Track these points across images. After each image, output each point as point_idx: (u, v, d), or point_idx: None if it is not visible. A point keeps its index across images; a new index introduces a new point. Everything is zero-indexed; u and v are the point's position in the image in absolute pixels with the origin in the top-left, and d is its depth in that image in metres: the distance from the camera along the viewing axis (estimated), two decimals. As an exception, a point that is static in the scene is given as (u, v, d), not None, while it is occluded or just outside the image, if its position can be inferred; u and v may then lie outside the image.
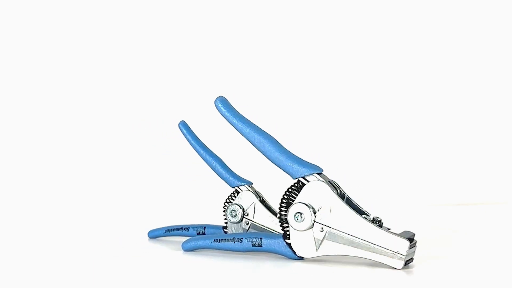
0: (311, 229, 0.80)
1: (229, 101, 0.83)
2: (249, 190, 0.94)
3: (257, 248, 0.85)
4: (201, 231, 0.99)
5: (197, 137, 0.97)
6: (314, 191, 0.80)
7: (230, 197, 0.95)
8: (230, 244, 0.86)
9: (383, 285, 0.73)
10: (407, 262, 0.78)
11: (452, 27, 1.53)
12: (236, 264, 0.83)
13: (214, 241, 0.88)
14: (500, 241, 1.01)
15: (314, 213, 0.80)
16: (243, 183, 0.94)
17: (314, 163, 0.81)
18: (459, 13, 1.53)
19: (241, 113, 0.83)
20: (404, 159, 1.50)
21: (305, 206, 0.80)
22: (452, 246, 0.97)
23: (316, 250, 0.81)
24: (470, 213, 1.32)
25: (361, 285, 0.73)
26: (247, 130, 0.82)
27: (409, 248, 0.77)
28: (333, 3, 1.52)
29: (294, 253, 0.82)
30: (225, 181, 0.95)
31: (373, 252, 0.78)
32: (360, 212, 0.80)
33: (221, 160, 0.96)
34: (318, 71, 1.52)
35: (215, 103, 0.83)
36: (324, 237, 0.80)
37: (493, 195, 1.48)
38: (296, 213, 0.80)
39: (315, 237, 0.81)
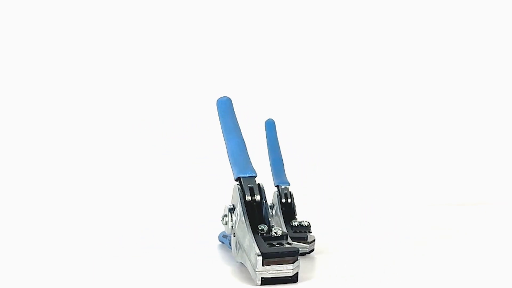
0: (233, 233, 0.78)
1: (231, 102, 0.84)
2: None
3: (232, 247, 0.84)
4: None
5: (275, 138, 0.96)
6: (235, 195, 0.78)
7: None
8: (226, 240, 0.88)
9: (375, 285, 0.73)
10: (277, 280, 0.70)
11: (452, 27, 1.53)
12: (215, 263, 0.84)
13: (222, 237, 0.91)
14: (500, 241, 1.01)
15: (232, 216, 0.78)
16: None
17: (253, 168, 0.79)
18: (459, 13, 1.53)
19: (234, 115, 0.84)
20: (404, 159, 1.50)
21: (228, 209, 0.78)
22: (452, 246, 0.97)
23: (237, 255, 0.78)
24: (470, 213, 1.32)
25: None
26: (224, 130, 0.82)
27: (268, 265, 0.69)
28: (330, 4, 1.52)
29: None
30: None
31: (249, 264, 0.73)
32: (262, 221, 0.75)
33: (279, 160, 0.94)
34: (319, 71, 1.51)
35: (216, 102, 0.84)
36: (236, 242, 0.78)
37: (493, 195, 1.48)
38: (223, 215, 0.79)
39: (234, 241, 0.78)
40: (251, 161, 0.80)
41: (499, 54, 1.54)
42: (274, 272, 0.70)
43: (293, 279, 0.71)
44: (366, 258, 0.88)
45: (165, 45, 1.49)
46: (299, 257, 0.71)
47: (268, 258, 0.69)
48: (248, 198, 0.76)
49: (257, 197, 0.76)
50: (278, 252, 0.69)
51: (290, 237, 0.80)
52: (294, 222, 0.88)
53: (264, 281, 0.70)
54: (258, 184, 0.77)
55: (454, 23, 1.53)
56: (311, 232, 0.87)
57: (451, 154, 1.51)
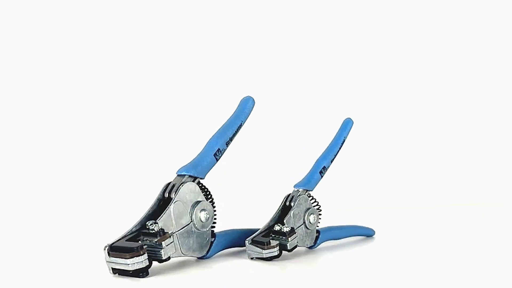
0: None
1: (248, 102, 0.86)
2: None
3: None
4: None
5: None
6: None
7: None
8: None
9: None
10: (125, 272, 0.73)
11: (453, 28, 1.53)
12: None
13: None
14: (500, 241, 1.02)
15: None
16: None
17: (192, 167, 0.80)
18: (460, 13, 1.53)
19: (240, 117, 0.85)
20: (404, 159, 1.50)
21: None
22: (452, 246, 0.97)
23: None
24: (470, 213, 1.33)
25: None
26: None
27: (113, 257, 0.73)
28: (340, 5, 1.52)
29: None
30: None
31: None
32: (149, 218, 0.77)
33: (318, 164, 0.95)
34: (321, 70, 1.52)
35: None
36: None
37: (492, 195, 1.48)
38: None
39: None
40: (207, 163, 0.82)
41: (499, 55, 1.54)
42: (117, 264, 0.73)
43: (140, 274, 0.73)
44: (366, 259, 0.88)
45: (171, 47, 1.48)
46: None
47: (111, 250, 0.73)
48: (166, 194, 0.79)
49: (172, 195, 0.79)
50: (117, 246, 0.73)
51: (254, 240, 0.83)
52: (277, 226, 0.86)
53: (116, 272, 0.74)
54: (182, 183, 0.79)
55: (454, 24, 1.53)
56: (287, 239, 0.85)
57: (451, 154, 1.51)
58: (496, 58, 1.54)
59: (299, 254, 0.89)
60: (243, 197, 1.35)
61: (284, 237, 0.85)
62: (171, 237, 0.76)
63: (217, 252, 0.85)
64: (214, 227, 0.84)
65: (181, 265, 0.81)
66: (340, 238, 0.98)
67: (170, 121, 1.44)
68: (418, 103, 1.52)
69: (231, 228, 0.89)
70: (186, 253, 0.79)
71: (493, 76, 1.54)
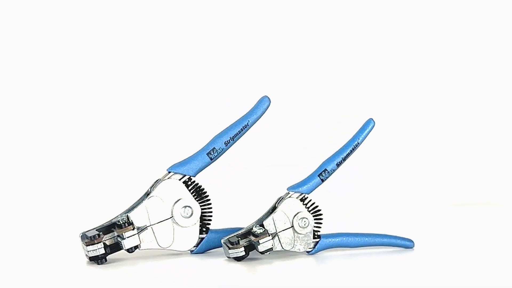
0: None
1: (267, 102, 0.89)
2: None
3: None
4: None
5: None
6: None
7: None
8: None
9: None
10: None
11: (453, 28, 1.53)
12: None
13: None
14: (500, 241, 1.02)
15: None
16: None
17: (178, 166, 0.85)
18: (460, 13, 1.53)
19: (248, 118, 0.88)
20: (403, 159, 1.50)
21: None
22: (452, 246, 0.97)
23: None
24: (470, 213, 1.33)
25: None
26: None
27: (84, 245, 0.81)
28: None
29: None
30: None
31: None
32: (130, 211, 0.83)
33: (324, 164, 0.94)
34: (320, 70, 1.51)
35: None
36: None
37: (493, 195, 1.48)
38: None
39: None
40: (197, 162, 0.86)
41: (499, 55, 1.54)
42: (84, 250, 0.81)
43: (98, 261, 0.81)
44: (365, 259, 0.88)
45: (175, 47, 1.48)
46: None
47: (82, 238, 0.81)
48: (151, 190, 0.85)
49: (150, 190, 0.85)
50: (85, 235, 0.81)
51: (227, 239, 0.85)
52: (255, 228, 0.86)
53: (88, 257, 0.81)
54: (165, 179, 0.85)
55: (455, 24, 1.53)
56: (258, 242, 0.85)
57: (450, 154, 1.51)
58: (495, 58, 1.54)
59: (286, 257, 0.89)
60: (256, 197, 1.35)
61: (255, 238, 0.85)
62: (135, 229, 0.81)
63: (211, 248, 0.88)
64: (208, 224, 0.87)
65: (164, 257, 0.85)
66: (354, 247, 0.93)
67: (187, 119, 1.44)
68: (417, 103, 1.52)
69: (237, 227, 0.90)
70: (166, 247, 0.84)
71: (492, 76, 1.54)
